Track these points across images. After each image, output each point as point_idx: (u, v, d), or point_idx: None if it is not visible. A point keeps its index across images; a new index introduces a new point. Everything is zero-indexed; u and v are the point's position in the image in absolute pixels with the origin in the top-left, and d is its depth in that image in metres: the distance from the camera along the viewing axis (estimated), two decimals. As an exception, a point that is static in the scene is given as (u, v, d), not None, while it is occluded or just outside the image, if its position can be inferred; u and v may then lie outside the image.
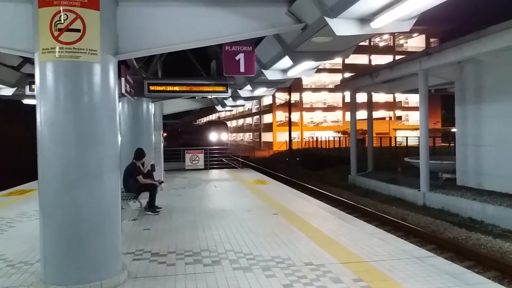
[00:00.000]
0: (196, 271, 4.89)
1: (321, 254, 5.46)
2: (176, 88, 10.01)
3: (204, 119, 74.46)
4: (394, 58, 51.45)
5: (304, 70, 7.39)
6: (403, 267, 4.91)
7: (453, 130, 20.11)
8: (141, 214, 8.25)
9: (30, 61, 9.25)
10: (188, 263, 5.17)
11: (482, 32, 10.85)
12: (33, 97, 10.79)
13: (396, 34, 53.79)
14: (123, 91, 7.56)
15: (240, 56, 6.63)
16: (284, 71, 7.98)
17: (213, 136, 39.43)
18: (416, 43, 59.57)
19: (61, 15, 3.87)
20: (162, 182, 9.60)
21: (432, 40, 58.79)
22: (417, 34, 57.03)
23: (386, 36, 56.65)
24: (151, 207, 8.43)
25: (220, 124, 46.44)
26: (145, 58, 10.37)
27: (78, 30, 3.92)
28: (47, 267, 4.16)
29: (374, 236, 6.35)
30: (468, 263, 7.46)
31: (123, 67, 7.92)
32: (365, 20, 4.51)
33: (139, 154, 8.58)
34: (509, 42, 10.05)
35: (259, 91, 11.09)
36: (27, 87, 9.94)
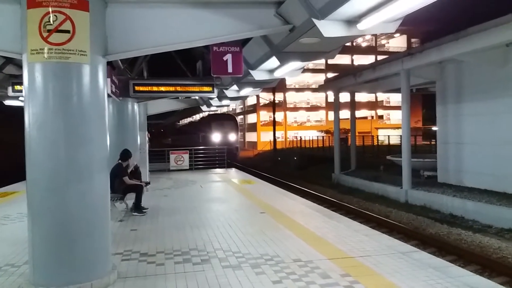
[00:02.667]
0: (186, 270, 4.93)
1: (308, 250, 5.56)
2: (162, 89, 10.00)
3: (197, 116, 54.46)
4: (376, 58, 52.19)
5: (290, 70, 7.49)
6: (389, 262, 5.05)
7: (434, 128, 20.55)
8: (128, 215, 8.23)
9: (13, 62, 9.12)
10: (178, 262, 5.20)
11: (461, 33, 11.14)
12: (15, 98, 10.67)
13: (378, 34, 54.50)
14: (109, 91, 7.53)
15: (228, 57, 6.68)
16: (271, 71, 8.07)
17: (216, 137, 30.87)
18: (398, 43, 60.50)
19: (50, 16, 3.86)
20: (149, 183, 9.58)
21: (413, 40, 59.80)
22: (398, 34, 57.93)
23: (368, 37, 57.36)
24: (137, 208, 8.42)
25: (225, 118, 34.20)
26: (130, 59, 10.32)
27: (68, 31, 3.92)
28: (36, 268, 4.14)
29: (359, 233, 6.49)
30: (450, 257, 7.67)
31: (109, 67, 7.88)
32: (352, 21, 4.63)
33: (125, 154, 8.55)
34: (486, 43, 10.36)
35: (246, 91, 11.16)
36: (10, 88, 9.79)
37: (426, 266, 4.83)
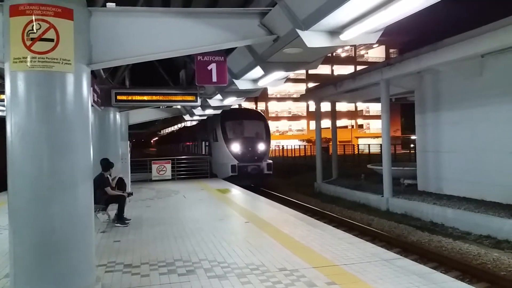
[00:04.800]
0: (171, 281, 4.88)
1: (294, 259, 5.58)
2: (145, 98, 9.96)
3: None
4: (355, 68, 53.05)
5: (274, 80, 7.58)
6: (373, 269, 5.11)
7: (413, 137, 20.94)
8: (110, 226, 8.10)
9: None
10: (163, 274, 5.14)
11: (438, 44, 11.46)
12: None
13: (357, 45, 55.45)
14: (91, 101, 7.44)
15: (212, 66, 6.72)
16: (255, 80, 8.14)
17: (235, 147, 18.98)
18: (377, 53, 61.71)
19: (33, 25, 3.82)
20: (131, 194, 9.46)
21: (391, 50, 61.09)
22: (377, 45, 59.07)
23: (347, 47, 58.31)
24: (120, 218, 8.30)
25: (249, 117, 21.34)
26: (112, 67, 10.25)
27: (52, 40, 3.88)
28: (17, 282, 4.03)
29: (343, 241, 6.55)
30: (432, 264, 7.78)
31: (91, 76, 7.81)
32: (334, 32, 4.73)
33: (106, 164, 8.45)
34: (462, 54, 10.67)
35: (229, 100, 11.21)
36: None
37: (410, 273, 4.91)
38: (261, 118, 21.43)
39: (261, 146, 19.43)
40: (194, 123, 24.92)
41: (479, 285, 6.62)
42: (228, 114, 19.42)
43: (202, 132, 23.32)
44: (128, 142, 13.33)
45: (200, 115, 16.17)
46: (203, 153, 22.73)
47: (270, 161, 19.62)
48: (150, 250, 6.25)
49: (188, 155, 24.08)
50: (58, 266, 4.00)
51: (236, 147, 18.98)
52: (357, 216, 13.15)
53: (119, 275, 5.11)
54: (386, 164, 13.99)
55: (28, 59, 3.85)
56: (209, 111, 14.54)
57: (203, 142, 23.16)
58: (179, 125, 37.03)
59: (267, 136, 20.25)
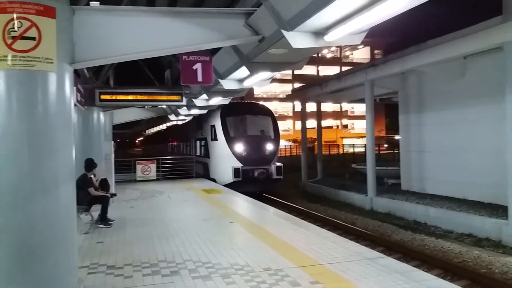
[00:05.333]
0: (154, 282, 4.85)
1: (278, 259, 5.60)
2: (129, 97, 9.87)
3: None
4: (340, 69, 53.46)
5: (260, 80, 7.59)
6: (356, 268, 5.16)
7: (397, 137, 21.20)
8: (93, 227, 8.01)
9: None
10: (146, 275, 5.11)
11: (422, 45, 11.64)
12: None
13: (343, 46, 55.87)
14: (74, 100, 7.34)
15: (198, 66, 6.70)
16: (241, 81, 8.14)
17: (238, 148, 16.24)
18: (361, 54, 62.27)
19: (14, 23, 3.74)
20: (115, 194, 9.37)
21: (376, 51, 61.71)
22: (362, 46, 59.63)
23: (333, 48, 58.72)
24: (103, 219, 8.21)
25: (254, 111, 18.29)
26: (96, 67, 10.12)
27: (33, 38, 3.82)
28: (-3, 285, 3.96)
29: (327, 240, 6.60)
30: (414, 262, 7.89)
31: (74, 75, 7.71)
32: (319, 33, 4.76)
33: (89, 165, 8.35)
34: (445, 55, 10.85)
35: (215, 100, 11.17)
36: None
37: (392, 271, 4.97)
38: (268, 113, 18.28)
39: (269, 146, 16.59)
40: (186, 120, 21.09)
41: (460, 283, 6.73)
42: (230, 108, 16.75)
43: (196, 130, 20.26)
44: (112, 142, 13.18)
45: (185, 115, 16.07)
46: (198, 154, 20.10)
47: (280, 163, 16.70)
48: (134, 251, 6.20)
49: (180, 157, 22.76)
50: (39, 269, 3.93)
51: (239, 147, 16.15)
52: (341, 216, 13.25)
53: (102, 277, 5.06)
54: (370, 163, 14.14)
55: (9, 58, 3.77)
56: (195, 111, 14.46)
57: (198, 142, 20.33)
58: (168, 123, 32.06)
59: (275, 134, 17.41)
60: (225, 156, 16.17)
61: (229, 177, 15.65)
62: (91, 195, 8.09)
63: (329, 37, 4.77)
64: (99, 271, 5.30)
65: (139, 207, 10.69)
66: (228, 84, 8.21)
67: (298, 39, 4.68)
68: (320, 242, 6.48)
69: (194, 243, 6.64)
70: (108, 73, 10.65)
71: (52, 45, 3.93)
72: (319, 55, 58.70)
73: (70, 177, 4.32)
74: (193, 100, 11.75)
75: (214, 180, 16.99)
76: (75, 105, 7.55)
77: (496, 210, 10.38)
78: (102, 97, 9.64)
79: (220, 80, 8.18)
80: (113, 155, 12.28)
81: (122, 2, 6.74)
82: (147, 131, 56.87)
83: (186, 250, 6.19)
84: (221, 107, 16.07)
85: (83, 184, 7.95)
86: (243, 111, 17.85)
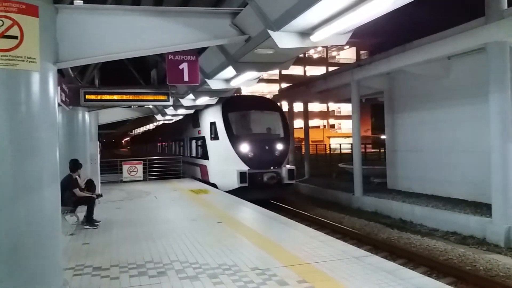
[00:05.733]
0: (141, 283, 4.81)
1: (266, 258, 5.60)
2: (115, 97, 9.76)
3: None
4: (327, 69, 53.72)
5: (247, 80, 7.59)
6: (344, 266, 5.19)
7: (383, 137, 21.42)
8: (79, 229, 7.91)
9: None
10: (133, 276, 5.06)
11: (407, 45, 11.77)
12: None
13: (329, 46, 56.19)
14: (58, 100, 7.24)
15: (184, 66, 6.66)
16: (227, 80, 8.13)
17: (244, 148, 14.10)
18: (348, 55, 62.67)
19: (-4, 21, 3.68)
20: (101, 195, 9.27)
21: (362, 52, 62.18)
22: (348, 46, 60.01)
23: (319, 48, 58.98)
24: (89, 221, 8.12)
25: (259, 107, 15.84)
26: (81, 66, 10.00)
27: (15, 37, 3.75)
28: (-21, 288, 3.88)
29: (315, 239, 6.62)
30: (400, 260, 7.98)
31: (58, 75, 7.60)
32: (305, 33, 4.79)
33: (74, 165, 8.24)
34: (430, 55, 11.00)
35: (202, 100, 11.13)
36: None
37: (379, 270, 5.01)
38: (276, 108, 16.04)
39: (278, 146, 14.39)
40: (178, 117, 19.39)
41: (445, 280, 6.82)
42: (232, 103, 15.21)
43: (191, 128, 18.12)
44: (98, 142, 13.05)
45: (172, 115, 15.96)
46: (194, 155, 18.07)
47: (292, 166, 14.79)
48: (120, 252, 6.14)
49: (167, 157, 21.88)
50: (22, 270, 3.86)
51: (245, 147, 13.91)
52: (328, 215, 13.33)
53: (88, 278, 5.00)
54: (357, 163, 14.25)
55: (-10, 57, 3.70)
56: (182, 111, 14.37)
57: (193, 141, 18.10)
58: (158, 122, 29.34)
59: (285, 132, 15.16)
60: (229, 158, 14.01)
61: (234, 182, 13.34)
62: (76, 196, 7.98)
63: (315, 37, 4.79)
64: (85, 272, 5.23)
65: (125, 208, 10.59)
66: (215, 84, 8.20)
67: (284, 39, 4.70)
68: (308, 241, 6.50)
69: (181, 243, 6.60)
70: (93, 73, 10.52)
71: (35, 44, 3.87)
72: (306, 55, 58.90)
73: (55, 178, 4.26)
74: (180, 100, 11.69)
75: (214, 186, 14.72)
76: (59, 105, 7.44)
77: (480, 208, 10.56)
78: (87, 97, 9.52)
79: (207, 80, 8.15)
80: (98, 156, 12.14)
81: (107, 1, 6.68)
82: (134, 130, 55.92)
83: (173, 251, 6.15)
84: (222, 102, 14.32)
85: (68, 185, 7.84)
86: (248, 106, 15.58)
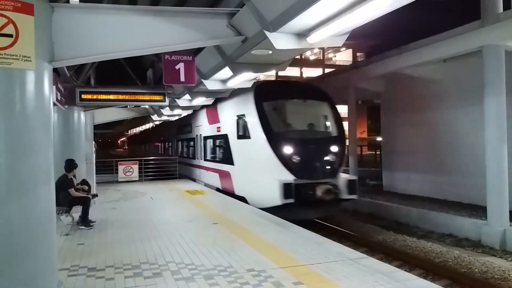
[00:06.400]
0: (136, 284, 4.78)
1: (262, 260, 5.59)
2: (111, 97, 9.72)
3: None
4: (323, 71, 53.82)
5: (243, 80, 7.57)
6: (339, 268, 5.18)
7: (379, 139, 21.47)
8: (74, 229, 7.86)
9: None
10: (128, 277, 5.04)
11: (403, 48, 11.81)
12: None
13: (326, 48, 56.29)
14: (54, 99, 7.21)
15: (180, 66, 6.64)
16: (224, 81, 8.11)
17: (287, 149, 10.27)
18: (344, 57, 62.79)
19: (-10, 19, 3.65)
20: (96, 195, 9.22)
21: (358, 54, 62.34)
22: (344, 48, 60.15)
23: (316, 50, 59.06)
24: (84, 221, 8.07)
25: (303, 95, 11.61)
26: (77, 65, 9.95)
27: (10, 36, 3.72)
28: (-28, 289, 3.84)
29: (311, 241, 6.61)
30: (396, 262, 7.99)
31: (54, 74, 7.56)
32: (302, 35, 4.78)
33: (70, 165, 8.20)
34: (425, 58, 11.05)
35: (198, 101, 11.08)
36: None
37: (375, 272, 5.01)
38: (326, 98, 11.98)
39: (334, 147, 10.68)
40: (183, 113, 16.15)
41: (441, 283, 6.83)
42: (269, 89, 11.95)
43: (205, 124, 15.05)
44: (94, 142, 12.99)
45: (168, 115, 15.90)
46: (208, 157, 15.05)
47: (354, 176, 11.22)
48: (115, 253, 6.11)
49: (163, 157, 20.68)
50: (17, 271, 3.82)
51: (290, 149, 10.27)
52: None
53: (83, 279, 4.97)
54: (353, 165, 14.27)
55: (-15, 55, 3.67)
56: (178, 111, 14.33)
57: (208, 141, 14.96)
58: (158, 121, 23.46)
59: (339, 129, 11.41)
60: (266, 164, 10.51)
61: (274, 198, 9.70)
62: (71, 196, 7.94)
63: (312, 39, 4.79)
64: (79, 273, 5.20)
65: (121, 208, 10.54)
66: (211, 84, 8.18)
67: (281, 40, 4.70)
68: (304, 243, 6.49)
69: (177, 244, 6.57)
70: (89, 72, 10.47)
71: (30, 43, 3.84)
72: (303, 57, 58.96)
73: (49, 178, 4.22)
74: (176, 100, 11.66)
75: (243, 200, 11.35)
76: (54, 104, 7.41)
77: (476, 210, 10.60)
78: (83, 96, 9.48)
79: (203, 80, 8.13)
80: (94, 156, 12.09)
81: (103, 0, 6.66)
82: (133, 130, 55.02)
83: (169, 252, 6.12)
84: (254, 88, 10.95)
85: (63, 185, 7.79)
86: (291, 94, 11.61)
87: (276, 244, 6.43)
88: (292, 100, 11.38)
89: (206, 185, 15.08)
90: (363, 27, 4.73)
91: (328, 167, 10.43)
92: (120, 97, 9.88)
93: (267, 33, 4.66)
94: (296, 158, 10.18)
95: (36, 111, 3.99)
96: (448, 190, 12.22)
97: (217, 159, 13.86)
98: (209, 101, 11.66)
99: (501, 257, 8.57)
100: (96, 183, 13.16)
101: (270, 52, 5.49)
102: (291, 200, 9.56)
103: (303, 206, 9.78)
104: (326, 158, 10.47)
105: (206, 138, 15.26)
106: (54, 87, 7.24)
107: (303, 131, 10.90)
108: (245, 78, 7.41)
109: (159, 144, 27.03)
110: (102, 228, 7.99)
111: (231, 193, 12.27)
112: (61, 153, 9.03)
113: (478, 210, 10.48)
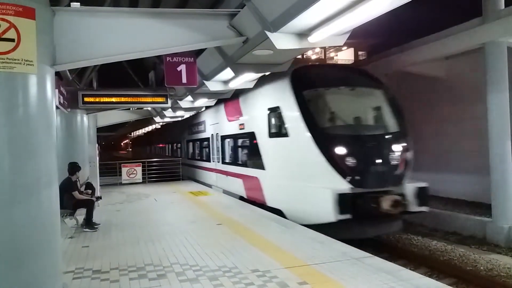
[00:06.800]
0: (141, 286, 4.80)
1: (266, 260, 5.59)
2: (113, 99, 9.74)
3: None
4: (326, 70, 53.67)
5: (245, 81, 7.58)
6: (344, 268, 5.18)
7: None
8: (78, 231, 7.89)
9: None
10: (133, 278, 5.05)
11: (405, 46, 11.78)
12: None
13: (327, 47, 56.19)
14: (56, 103, 7.24)
15: (182, 67, 6.65)
16: (226, 82, 8.11)
17: (341, 150, 7.99)
18: (346, 56, 62.61)
19: (-8, 24, 3.66)
20: (100, 198, 9.25)
21: (360, 53, 62.25)
22: (346, 47, 59.99)
23: (318, 49, 59.02)
24: (89, 223, 8.09)
25: (366, 82, 9.37)
26: (79, 69, 9.99)
27: (12, 40, 3.73)
28: (-23, 293, 3.85)
29: (315, 240, 6.61)
30: (401, 261, 7.94)
31: (56, 78, 7.59)
32: (303, 34, 4.78)
33: (73, 168, 8.24)
34: (427, 55, 11.01)
35: (200, 102, 11.09)
36: None
37: (379, 271, 5.00)
38: (380, 86, 9.70)
39: (397, 147, 8.54)
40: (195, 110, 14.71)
41: (446, 281, 6.80)
42: (308, 75, 9.54)
43: (224, 121, 13.14)
44: (97, 145, 13.03)
45: (171, 117, 15.92)
46: (228, 160, 13.25)
47: (423, 183, 8.61)
48: (120, 255, 6.12)
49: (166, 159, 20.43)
50: (21, 274, 3.83)
51: (344, 149, 8.15)
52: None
53: (88, 281, 4.98)
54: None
55: (-13, 60, 3.68)
56: (180, 113, 14.34)
57: (227, 141, 13.18)
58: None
59: (401, 124, 9.10)
60: (312, 169, 8.40)
61: (326, 212, 7.65)
62: (75, 198, 7.97)
63: (313, 38, 4.79)
64: (84, 275, 5.21)
65: (125, 210, 10.56)
66: (213, 85, 8.18)
67: (282, 40, 4.70)
68: (308, 242, 6.49)
69: (181, 246, 6.58)
70: (91, 75, 10.49)
71: (32, 47, 3.85)
72: (304, 56, 58.93)
73: (53, 181, 4.24)
74: (178, 101, 11.67)
75: (279, 213, 9.14)
76: (57, 107, 7.44)
77: (480, 208, 10.55)
78: (86, 99, 9.50)
79: (205, 82, 8.14)
80: (97, 158, 12.13)
81: (105, 3, 6.67)
82: (137, 132, 54.52)
83: (173, 253, 6.13)
84: (291, 74, 8.93)
85: (67, 187, 7.83)
86: (340, 80, 9.35)
87: (280, 244, 6.43)
88: (341, 87, 9.07)
89: (225, 192, 13.20)
90: (364, 26, 4.73)
91: (393, 172, 8.28)
92: (123, 99, 9.89)
93: (268, 33, 4.67)
94: (351, 161, 8.02)
95: (38, 114, 4.00)
96: (452, 188, 12.17)
97: (240, 162, 11.85)
98: (211, 102, 11.68)
99: (507, 254, 8.53)
100: (100, 185, 13.20)
101: (271, 52, 5.49)
102: (347, 216, 7.47)
103: (364, 222, 7.81)
104: (390, 160, 8.29)
105: (224, 137, 13.25)
106: (57, 90, 7.27)
107: (358, 126, 8.70)
108: (247, 79, 7.42)
109: (166, 145, 25.39)
110: (106, 230, 8.01)
111: (260, 204, 10.20)
112: (65, 156, 9.07)
113: (482, 208, 10.45)
